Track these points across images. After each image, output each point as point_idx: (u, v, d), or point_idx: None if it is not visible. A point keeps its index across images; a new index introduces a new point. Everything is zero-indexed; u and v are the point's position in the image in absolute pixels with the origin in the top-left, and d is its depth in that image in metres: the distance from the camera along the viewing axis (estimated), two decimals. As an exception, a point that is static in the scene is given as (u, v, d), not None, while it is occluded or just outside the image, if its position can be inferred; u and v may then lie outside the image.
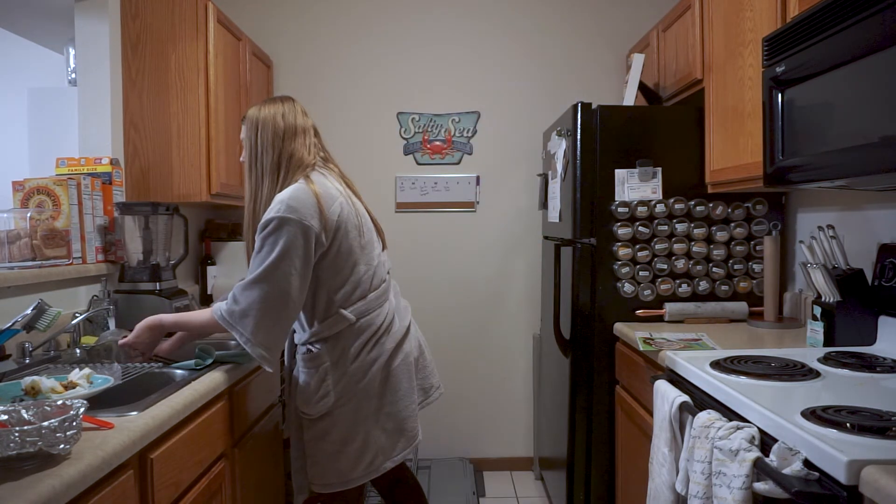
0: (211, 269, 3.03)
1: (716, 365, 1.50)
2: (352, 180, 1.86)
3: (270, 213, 1.60)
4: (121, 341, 1.75)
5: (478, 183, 3.33)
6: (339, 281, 1.68)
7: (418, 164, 3.32)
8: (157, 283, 2.18)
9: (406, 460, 2.00)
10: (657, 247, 2.32)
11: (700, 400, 1.45)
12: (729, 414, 1.30)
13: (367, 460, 1.70)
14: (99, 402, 1.47)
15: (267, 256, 1.57)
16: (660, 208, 2.30)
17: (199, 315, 1.70)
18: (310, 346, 1.70)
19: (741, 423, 1.20)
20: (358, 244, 1.71)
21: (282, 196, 1.62)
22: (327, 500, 1.75)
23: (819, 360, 1.56)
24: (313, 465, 1.72)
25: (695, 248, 2.31)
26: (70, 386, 1.38)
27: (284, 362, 1.89)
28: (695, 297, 2.32)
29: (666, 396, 1.52)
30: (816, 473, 0.98)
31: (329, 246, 1.65)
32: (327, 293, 1.68)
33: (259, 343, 1.58)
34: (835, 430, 1.04)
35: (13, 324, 1.66)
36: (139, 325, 1.72)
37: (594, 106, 2.35)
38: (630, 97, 2.55)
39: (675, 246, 2.31)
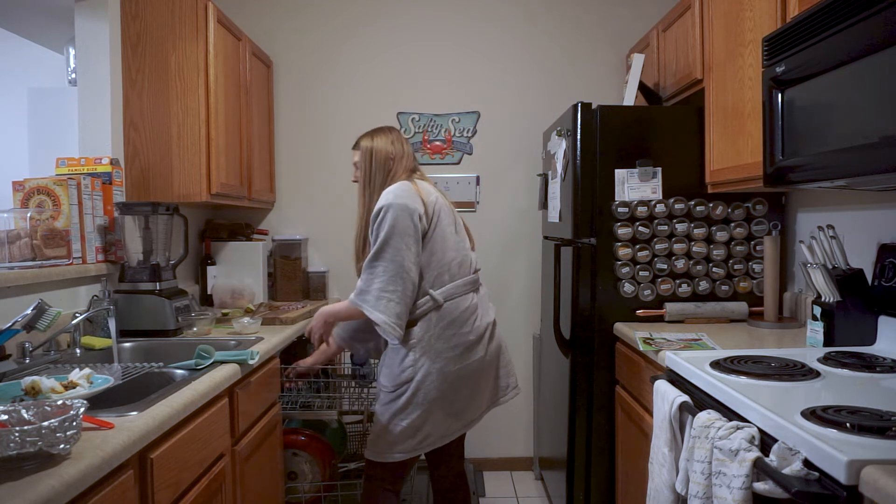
0: (211, 269, 3.03)
1: (716, 365, 1.50)
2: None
3: (377, 205, 1.89)
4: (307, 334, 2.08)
5: (478, 183, 3.33)
6: (433, 262, 1.93)
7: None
8: (157, 283, 2.18)
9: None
10: (657, 247, 2.32)
11: (700, 400, 1.45)
12: (729, 414, 1.30)
13: (418, 438, 1.90)
14: (99, 402, 1.47)
15: (377, 238, 1.85)
16: (660, 208, 2.30)
17: (341, 305, 1.99)
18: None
19: (741, 423, 1.19)
20: (452, 231, 1.99)
21: (385, 191, 1.93)
22: (372, 467, 1.97)
23: (819, 360, 1.56)
24: (372, 433, 1.95)
25: (695, 248, 2.31)
26: (70, 386, 1.38)
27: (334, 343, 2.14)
28: (695, 297, 2.32)
29: (666, 396, 1.52)
30: (816, 473, 0.98)
31: (428, 227, 1.92)
32: (421, 273, 1.91)
33: (382, 312, 1.82)
34: (835, 430, 1.04)
35: (13, 324, 1.66)
36: (317, 315, 2.04)
37: (594, 106, 2.35)
38: (630, 97, 2.55)
39: (675, 246, 2.31)
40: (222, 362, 1.71)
